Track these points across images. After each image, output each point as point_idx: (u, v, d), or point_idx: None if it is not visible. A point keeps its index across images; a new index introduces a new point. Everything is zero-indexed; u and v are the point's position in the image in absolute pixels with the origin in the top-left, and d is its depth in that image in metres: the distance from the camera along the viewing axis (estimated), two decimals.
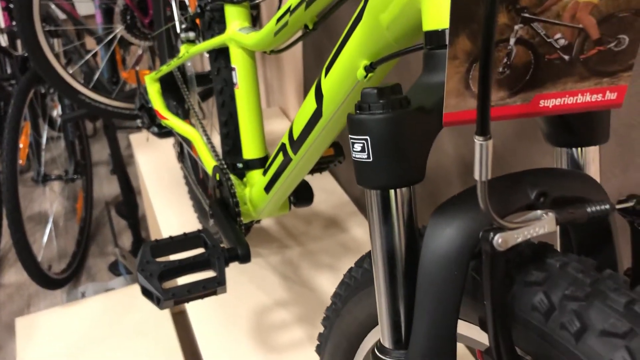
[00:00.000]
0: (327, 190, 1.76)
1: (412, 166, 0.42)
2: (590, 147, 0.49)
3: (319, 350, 0.79)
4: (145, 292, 0.88)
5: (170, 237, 0.95)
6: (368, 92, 0.42)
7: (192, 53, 1.18)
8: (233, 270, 1.40)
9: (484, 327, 0.42)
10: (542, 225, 0.40)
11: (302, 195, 1.14)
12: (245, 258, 0.95)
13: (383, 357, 0.46)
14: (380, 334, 0.47)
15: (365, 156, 0.42)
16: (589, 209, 0.41)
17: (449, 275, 0.41)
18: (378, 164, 0.42)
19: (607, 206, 0.42)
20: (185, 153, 1.58)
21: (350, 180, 1.73)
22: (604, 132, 0.49)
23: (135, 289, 1.80)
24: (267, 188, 0.98)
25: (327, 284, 1.42)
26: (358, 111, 0.43)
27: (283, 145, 0.85)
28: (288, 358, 1.21)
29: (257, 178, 1.07)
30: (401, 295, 0.45)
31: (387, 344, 0.46)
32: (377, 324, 0.64)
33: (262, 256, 1.51)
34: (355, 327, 0.68)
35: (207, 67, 1.51)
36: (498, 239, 0.38)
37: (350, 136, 0.43)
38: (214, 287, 0.88)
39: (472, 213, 0.42)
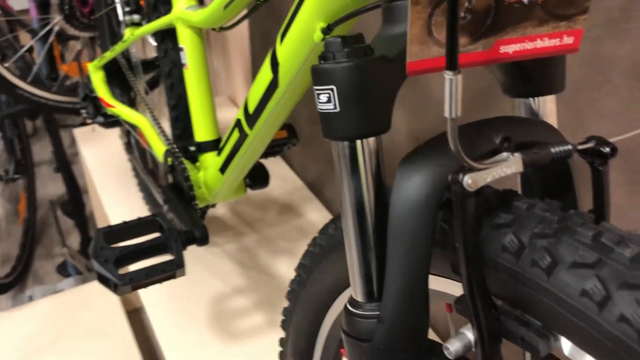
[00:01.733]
0: (280, 176, 1.75)
1: (378, 116, 0.42)
2: (548, 96, 0.50)
3: (285, 324, 0.79)
4: (102, 279, 0.85)
5: (124, 222, 0.92)
6: (332, 41, 0.42)
7: (137, 35, 1.14)
8: (188, 260, 1.37)
9: (456, 271, 0.42)
10: (510, 165, 0.40)
11: (258, 177, 1.12)
12: (203, 240, 0.93)
13: (356, 311, 0.45)
14: (352, 289, 0.47)
15: (332, 107, 0.42)
16: (552, 150, 0.42)
17: (420, 222, 0.41)
18: (345, 114, 0.41)
19: (570, 147, 0.42)
20: (132, 143, 1.54)
21: (303, 164, 1.72)
22: (560, 81, 0.50)
23: (87, 288, 1.74)
24: (223, 168, 0.96)
25: (286, 268, 1.41)
26: (322, 61, 0.42)
27: (238, 121, 0.84)
28: (251, 345, 1.20)
29: (211, 160, 1.05)
30: (372, 248, 0.45)
31: (359, 297, 0.46)
32: (344, 291, 0.65)
33: (218, 245, 1.49)
34: (322, 295, 0.68)
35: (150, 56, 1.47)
36: (468, 180, 0.38)
37: (315, 87, 0.43)
38: (173, 269, 0.86)
39: (439, 159, 0.42)
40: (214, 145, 1.07)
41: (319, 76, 0.42)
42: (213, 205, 1.18)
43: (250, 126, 0.81)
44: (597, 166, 0.44)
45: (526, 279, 0.40)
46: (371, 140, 0.43)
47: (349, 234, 0.45)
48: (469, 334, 0.42)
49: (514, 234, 0.41)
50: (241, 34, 1.83)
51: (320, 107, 0.43)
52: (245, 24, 1.78)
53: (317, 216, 1.60)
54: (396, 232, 0.42)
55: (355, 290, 0.46)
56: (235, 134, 0.86)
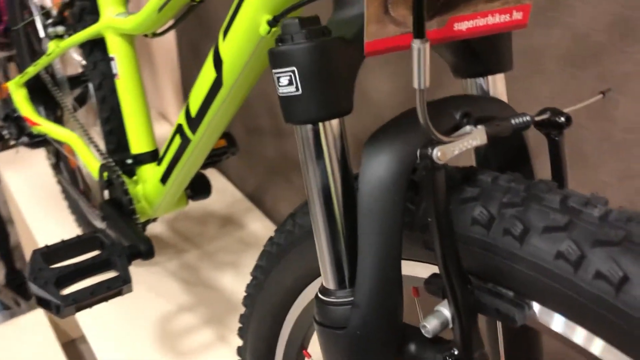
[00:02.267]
0: (219, 189, 1.71)
1: (340, 97, 0.42)
2: (497, 75, 0.51)
3: (242, 332, 0.76)
4: (42, 302, 0.80)
5: (62, 241, 0.87)
6: (289, 23, 0.41)
7: (63, 48, 1.09)
8: None
9: (429, 247, 0.42)
10: (475, 137, 0.40)
11: (199, 187, 1.09)
12: (148, 253, 0.89)
13: (329, 299, 0.44)
14: (323, 278, 0.46)
15: (294, 89, 0.41)
16: (513, 121, 0.43)
17: (390, 201, 0.41)
18: (307, 96, 0.40)
19: (528, 118, 0.43)
20: (61, 163, 1.47)
21: (241, 175, 1.70)
22: (508, 59, 0.51)
23: (17, 323, 1.64)
24: (164, 178, 0.93)
25: (231, 282, 1.38)
26: (280, 44, 0.41)
27: (179, 126, 0.81)
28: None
29: (150, 172, 1.01)
30: (341, 232, 0.44)
31: (331, 285, 0.45)
32: (305, 288, 0.63)
33: (158, 264, 1.44)
34: (282, 296, 0.66)
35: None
36: (437, 152, 0.38)
37: (274, 71, 0.42)
38: (119, 285, 0.82)
39: (405, 137, 0.42)
40: (152, 156, 1.03)
41: (278, 59, 0.41)
42: (154, 220, 1.14)
43: (193, 130, 0.79)
44: (554, 137, 0.45)
45: (498, 249, 0.40)
46: (334, 122, 0.42)
47: (317, 220, 0.44)
48: (445, 311, 0.42)
49: (483, 205, 0.41)
50: (168, 47, 1.79)
51: (280, 91, 0.42)
52: (172, 37, 1.75)
53: (259, 227, 1.57)
54: (366, 213, 0.41)
55: (326, 278, 0.45)
56: (177, 140, 0.83)
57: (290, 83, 0.41)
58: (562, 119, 0.44)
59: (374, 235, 0.41)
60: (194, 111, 0.76)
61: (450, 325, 0.42)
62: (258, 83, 1.49)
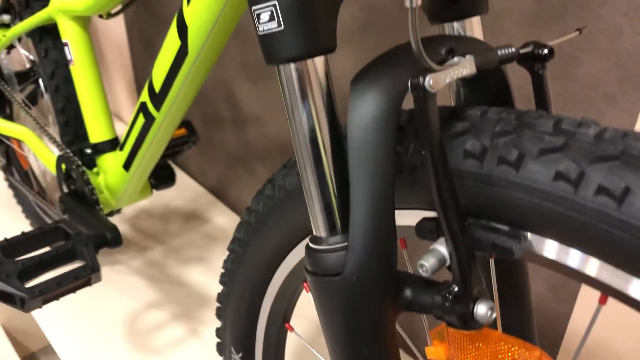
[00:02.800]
0: (180, 185, 1.67)
1: (324, 32, 0.40)
2: (473, 18, 0.50)
3: (220, 312, 0.74)
4: (4, 297, 0.75)
5: (23, 233, 0.83)
6: None
7: (10, 37, 1.05)
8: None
9: (423, 183, 0.41)
10: (465, 66, 0.39)
11: (163, 175, 1.06)
12: (116, 240, 0.86)
13: (321, 247, 0.43)
14: (313, 227, 0.44)
15: (275, 25, 0.39)
16: (499, 52, 0.42)
17: (381, 138, 0.39)
18: (290, 31, 0.39)
19: (514, 49, 0.43)
20: (13, 164, 1.41)
21: (202, 170, 1.66)
22: (484, 2, 0.50)
23: None
24: (127, 164, 0.89)
25: (200, 276, 1.35)
26: None
27: (142, 105, 0.78)
28: (173, 357, 1.13)
29: (111, 160, 0.97)
30: (330, 177, 0.42)
31: (322, 233, 0.43)
32: (287, 255, 0.61)
33: (122, 262, 1.39)
34: (262, 268, 0.64)
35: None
36: (429, 80, 0.37)
37: (253, 8, 0.40)
38: (88, 274, 0.78)
39: (391, 72, 0.40)
40: (112, 145, 0.99)
41: None
42: (118, 211, 1.10)
43: (158, 107, 0.76)
44: (537, 70, 0.45)
45: (493, 179, 0.39)
46: (319, 61, 0.41)
47: (305, 166, 0.42)
48: (442, 248, 0.41)
49: (474, 137, 0.40)
50: (119, 43, 1.74)
51: (261, 29, 0.40)
52: (122, 32, 1.70)
53: (224, 220, 1.54)
54: (358, 154, 0.40)
55: (316, 226, 0.44)
56: (140, 120, 0.80)
57: (271, 19, 0.39)
58: (545, 51, 0.44)
59: (367, 176, 0.40)
60: (157, 86, 0.73)
61: (448, 263, 0.41)
62: (214, 71, 1.46)
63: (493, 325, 0.50)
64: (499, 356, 0.46)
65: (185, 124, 1.12)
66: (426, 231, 0.44)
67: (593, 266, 0.37)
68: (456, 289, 0.41)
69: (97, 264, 0.79)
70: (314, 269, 0.43)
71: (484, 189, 0.40)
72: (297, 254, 0.60)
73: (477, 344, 0.47)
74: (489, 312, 0.40)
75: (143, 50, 1.66)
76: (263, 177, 1.43)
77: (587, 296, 0.80)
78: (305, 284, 0.65)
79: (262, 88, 1.28)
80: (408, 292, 0.43)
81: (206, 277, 1.34)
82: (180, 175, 1.73)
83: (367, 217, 0.40)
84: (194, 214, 1.57)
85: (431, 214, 0.46)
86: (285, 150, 1.30)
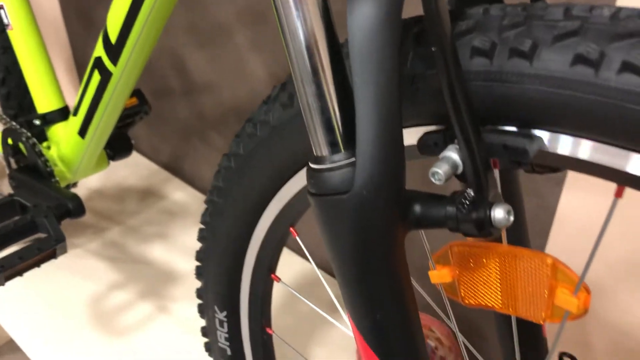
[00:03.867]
0: (131, 164, 1.61)
1: None
2: None
3: (200, 271, 0.70)
4: None
5: None
6: None
7: None
8: (49, 270, 1.20)
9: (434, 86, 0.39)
10: None
11: (120, 145, 1.01)
12: (79, 210, 0.80)
13: (325, 166, 0.40)
14: (313, 147, 0.41)
15: None
16: None
17: (385, 41, 0.37)
18: None
19: None
20: None
21: (153, 146, 1.60)
22: None
23: None
24: (83, 130, 0.84)
25: (162, 253, 1.30)
26: None
27: (97, 60, 0.73)
28: (146, 337, 1.08)
29: (64, 129, 0.91)
30: (331, 89, 0.39)
31: (324, 152, 0.40)
32: (273, 198, 0.58)
33: (79, 246, 1.33)
34: (245, 216, 0.61)
35: None
36: None
37: None
38: (52, 245, 0.73)
39: None
40: (63, 114, 0.93)
41: None
42: (74, 185, 1.04)
43: (114, 60, 0.71)
44: None
45: (505, 75, 0.37)
46: None
47: (302, 80, 0.39)
48: (453, 154, 0.39)
49: (482, 34, 0.38)
50: (53, 20, 1.65)
51: None
52: (56, 7, 1.60)
53: (181, 195, 1.49)
54: (361, 59, 0.37)
55: (317, 145, 0.41)
56: (96, 78, 0.75)
57: None
58: None
59: (372, 82, 0.37)
60: (113, 36, 0.68)
61: (460, 170, 0.39)
62: (161, 40, 1.40)
63: (498, 240, 0.48)
64: (508, 269, 0.45)
65: (135, 92, 1.06)
66: (430, 145, 0.42)
67: (610, 155, 0.36)
68: (472, 193, 0.39)
69: (62, 234, 0.74)
70: (318, 190, 0.40)
71: (494, 88, 0.38)
72: (285, 195, 0.58)
73: (483, 260, 0.46)
74: (507, 215, 0.38)
75: (82, 28, 1.57)
76: (220, 147, 1.39)
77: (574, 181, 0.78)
78: (292, 229, 0.62)
79: (213, 52, 1.24)
80: (417, 208, 0.41)
81: (169, 253, 1.30)
82: (134, 156, 1.66)
83: (374, 128, 0.38)
84: (149, 191, 1.51)
85: (432, 127, 0.44)
86: (244, 115, 1.26)
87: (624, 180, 0.37)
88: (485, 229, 0.39)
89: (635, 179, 0.36)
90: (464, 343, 0.61)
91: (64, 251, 0.75)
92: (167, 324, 1.10)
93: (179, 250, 1.30)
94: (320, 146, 0.41)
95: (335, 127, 0.40)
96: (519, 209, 0.55)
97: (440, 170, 0.38)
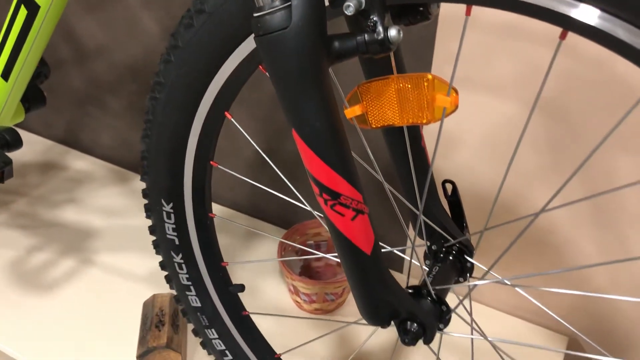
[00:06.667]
0: (26, 142, 1.62)
1: None
2: None
3: (144, 172, 0.80)
4: None
5: None
6: None
7: None
8: None
9: None
10: None
11: (34, 96, 1.06)
12: (17, 142, 0.87)
13: (267, 11, 0.53)
14: (255, 1, 0.54)
15: None
16: None
17: None
18: None
19: None
20: None
21: (46, 122, 1.62)
22: None
23: None
24: (6, 72, 0.90)
25: (74, 214, 1.35)
26: None
27: None
28: (73, 286, 1.14)
29: None
30: None
31: (264, 1, 0.54)
32: (212, 81, 0.70)
33: None
34: (185, 104, 0.72)
35: None
36: None
37: None
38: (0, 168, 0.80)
39: None
40: None
41: None
42: None
43: None
44: None
45: None
46: None
47: None
48: None
49: None
50: None
51: None
52: None
53: (83, 164, 1.54)
54: None
55: None
56: (22, 14, 0.82)
57: None
58: None
59: None
60: None
61: (364, 5, 0.55)
62: None
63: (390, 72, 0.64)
64: (402, 91, 0.61)
65: None
66: None
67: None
68: (375, 18, 0.54)
69: (7, 157, 0.81)
70: (265, 31, 0.54)
71: None
72: (220, 79, 0.70)
73: (382, 89, 0.62)
74: (398, 33, 0.55)
75: None
76: (117, 110, 1.45)
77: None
78: (227, 113, 0.75)
79: (103, 14, 1.31)
80: (337, 44, 0.56)
81: (84, 214, 1.35)
82: (24, 135, 1.67)
83: None
84: (49, 164, 1.54)
85: None
86: (140, 74, 1.35)
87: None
88: (386, 45, 0.55)
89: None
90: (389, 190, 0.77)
91: (11, 175, 0.82)
92: (93, 273, 1.17)
93: (91, 211, 1.36)
94: None
95: None
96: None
97: (351, 4, 0.54)
